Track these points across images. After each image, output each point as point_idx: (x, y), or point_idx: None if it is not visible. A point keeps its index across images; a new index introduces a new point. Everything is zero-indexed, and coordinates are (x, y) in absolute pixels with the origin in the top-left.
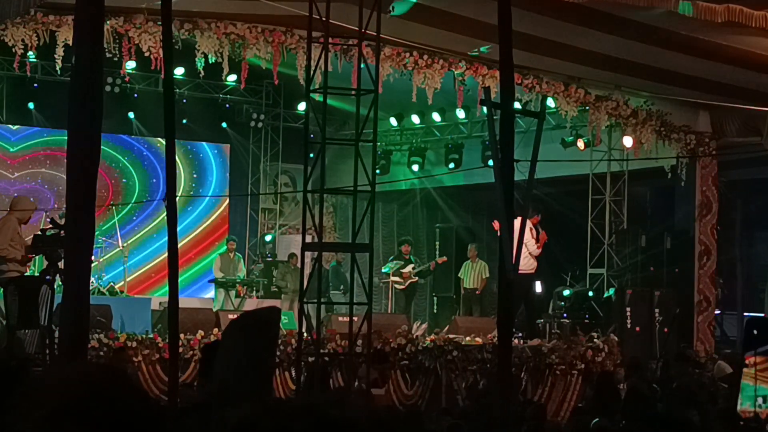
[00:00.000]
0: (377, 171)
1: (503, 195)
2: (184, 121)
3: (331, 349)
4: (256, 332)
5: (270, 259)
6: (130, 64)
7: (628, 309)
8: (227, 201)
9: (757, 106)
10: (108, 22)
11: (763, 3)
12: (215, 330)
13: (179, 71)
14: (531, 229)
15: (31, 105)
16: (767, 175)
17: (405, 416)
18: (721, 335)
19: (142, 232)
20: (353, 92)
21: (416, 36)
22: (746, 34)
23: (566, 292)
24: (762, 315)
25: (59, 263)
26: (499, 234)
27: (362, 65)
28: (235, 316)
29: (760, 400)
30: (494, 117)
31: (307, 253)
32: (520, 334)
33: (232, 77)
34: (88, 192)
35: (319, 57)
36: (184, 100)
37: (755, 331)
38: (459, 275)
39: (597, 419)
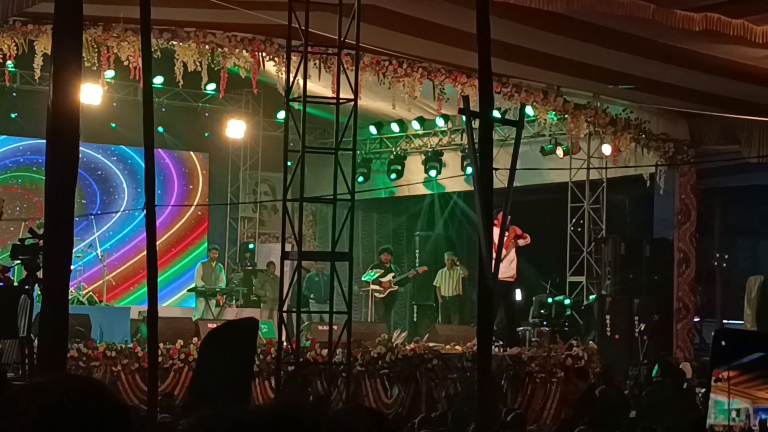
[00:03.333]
0: (360, 179)
1: (482, 203)
2: (161, 129)
3: (311, 358)
4: (234, 342)
5: (250, 267)
6: (109, 74)
7: (607, 317)
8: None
9: (735, 114)
10: (86, 31)
11: (741, 12)
12: (195, 339)
13: (158, 80)
14: (511, 238)
15: (13, 115)
16: (746, 182)
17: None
18: (700, 342)
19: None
20: (333, 101)
21: (395, 45)
22: (724, 43)
23: (549, 300)
24: (731, 326)
25: (38, 273)
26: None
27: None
28: (215, 325)
29: (734, 413)
30: (473, 126)
31: (287, 262)
32: (500, 343)
33: (212, 86)
34: (67, 202)
35: (299, 66)
36: (164, 110)
37: (723, 343)
38: (435, 283)
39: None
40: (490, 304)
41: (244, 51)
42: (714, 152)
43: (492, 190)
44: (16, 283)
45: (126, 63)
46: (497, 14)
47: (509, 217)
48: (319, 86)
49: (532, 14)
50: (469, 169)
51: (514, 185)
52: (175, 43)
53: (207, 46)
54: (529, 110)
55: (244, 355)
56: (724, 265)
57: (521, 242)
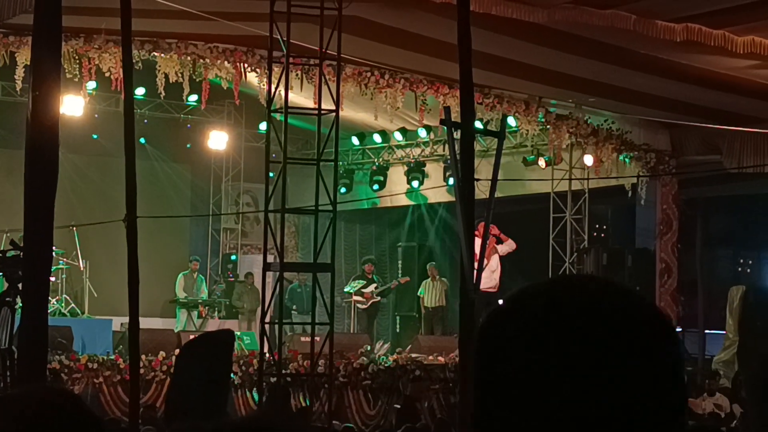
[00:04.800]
0: (343, 190)
1: (463, 214)
2: (143, 141)
3: (293, 369)
4: (210, 354)
5: (232, 279)
6: (91, 85)
7: None
8: None
9: (716, 124)
10: (68, 42)
11: (722, 22)
12: (177, 351)
13: (140, 91)
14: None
15: None
16: (727, 192)
17: None
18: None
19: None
20: (314, 112)
21: (377, 56)
22: (705, 53)
23: None
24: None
25: (20, 285)
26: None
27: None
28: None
29: None
30: (455, 136)
31: (269, 273)
32: None
33: (194, 97)
34: (46, 214)
35: (280, 77)
36: (145, 121)
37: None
38: (419, 294)
39: None
40: (473, 314)
41: (225, 62)
42: (695, 162)
43: (474, 200)
44: None
45: (107, 74)
46: (479, 25)
47: (491, 226)
48: (301, 97)
49: (513, 25)
50: (452, 180)
51: (497, 196)
52: (156, 54)
53: (188, 57)
54: (511, 121)
55: (221, 367)
56: (707, 275)
57: (504, 248)
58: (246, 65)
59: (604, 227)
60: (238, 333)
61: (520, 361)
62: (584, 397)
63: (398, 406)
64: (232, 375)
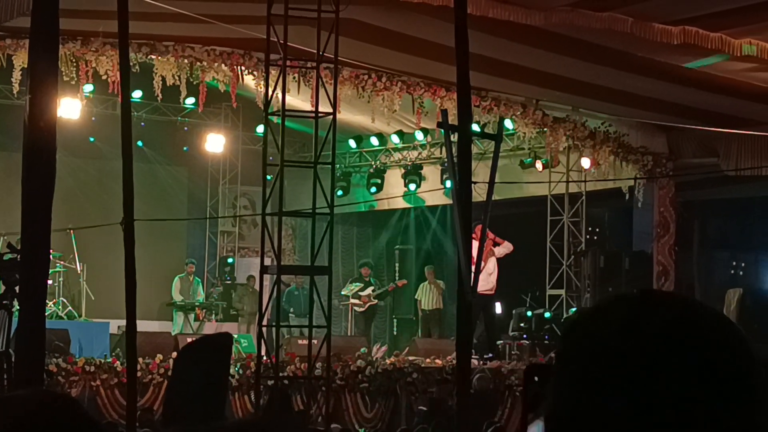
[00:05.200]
0: (339, 193)
1: (461, 216)
2: (140, 143)
3: (291, 372)
4: (209, 357)
5: (229, 282)
6: (88, 88)
7: None
8: None
9: (713, 127)
10: (65, 45)
11: (719, 25)
12: (174, 354)
13: (137, 94)
14: (490, 250)
15: None
16: (724, 195)
17: None
18: None
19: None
20: (312, 115)
21: (374, 58)
22: (702, 56)
23: (528, 314)
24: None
25: (17, 288)
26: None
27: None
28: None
29: None
30: (452, 139)
31: (266, 276)
32: (490, 355)
33: (191, 100)
34: (43, 217)
35: (277, 79)
36: (142, 123)
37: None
38: (416, 297)
39: None
40: (470, 317)
41: (222, 65)
42: (692, 165)
43: (471, 203)
44: None
45: (104, 77)
46: (476, 28)
47: (488, 230)
48: (299, 100)
49: (510, 28)
50: (449, 183)
51: (494, 198)
52: (153, 57)
53: (186, 60)
54: (508, 124)
55: (219, 370)
56: (703, 277)
57: (500, 250)
58: (243, 68)
59: (600, 230)
60: (236, 336)
61: (598, 375)
62: (661, 418)
63: (424, 408)
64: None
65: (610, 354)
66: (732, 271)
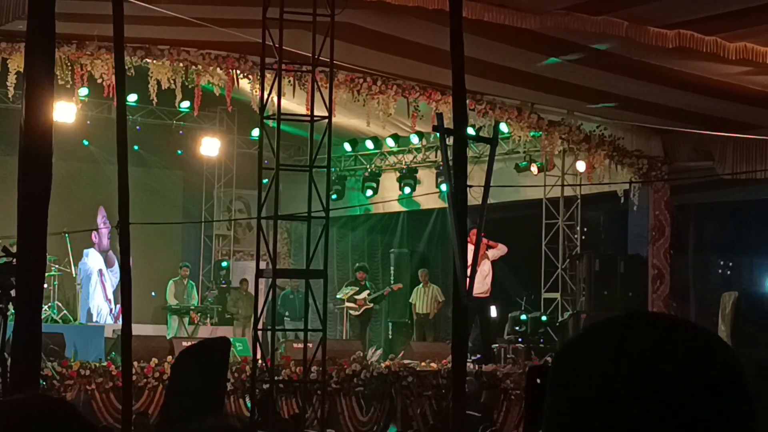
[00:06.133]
0: (334, 197)
1: (456, 220)
2: (136, 147)
3: (286, 375)
4: (206, 361)
5: (224, 285)
6: (83, 91)
7: None
8: None
9: (708, 130)
10: (60, 49)
11: (714, 28)
12: (169, 357)
13: (132, 98)
14: (484, 253)
15: None
16: (719, 198)
17: None
18: None
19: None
20: (307, 118)
21: (370, 62)
22: (697, 59)
23: (523, 317)
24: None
25: (12, 291)
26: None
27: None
28: (189, 343)
29: None
30: (447, 143)
31: (262, 280)
32: (478, 356)
33: (186, 103)
34: (40, 220)
35: (272, 83)
36: (138, 128)
37: (538, 380)
38: (410, 300)
39: None
40: (465, 321)
41: (218, 68)
42: (687, 169)
43: (466, 207)
44: None
45: (100, 81)
46: (471, 31)
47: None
48: (294, 104)
49: (505, 31)
50: (444, 186)
51: (489, 202)
52: (149, 60)
53: (181, 64)
54: (503, 127)
55: (216, 374)
56: (699, 281)
57: (494, 253)
58: (238, 72)
59: (595, 233)
60: (231, 339)
61: (589, 398)
62: None
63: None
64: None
65: (599, 378)
66: (727, 274)
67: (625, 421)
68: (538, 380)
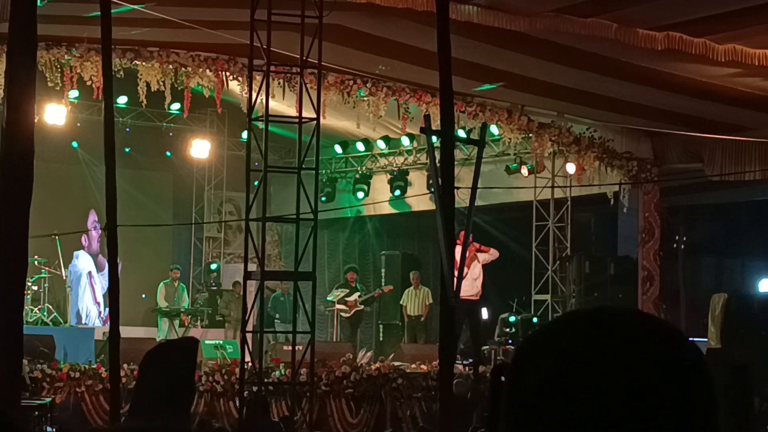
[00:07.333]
0: (323, 199)
1: (443, 221)
2: (127, 149)
3: (275, 378)
4: (172, 361)
5: (214, 288)
6: (73, 94)
7: None
8: None
9: (697, 132)
10: (49, 51)
11: (703, 30)
12: None
13: (122, 100)
14: (474, 255)
15: None
16: (709, 200)
17: None
18: None
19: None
20: (296, 120)
21: (359, 64)
22: (686, 61)
23: (512, 319)
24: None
25: None
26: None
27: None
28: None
29: None
30: (435, 144)
31: (252, 282)
32: (470, 360)
33: (176, 105)
34: (21, 222)
35: (261, 85)
36: (128, 129)
37: (503, 378)
38: (401, 302)
39: None
40: (452, 322)
41: (207, 70)
42: (677, 170)
43: (454, 208)
44: None
45: (89, 83)
46: (460, 33)
47: (471, 236)
48: (284, 105)
49: (495, 33)
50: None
51: (480, 204)
52: (138, 62)
53: (170, 66)
54: (494, 129)
55: (183, 375)
56: (689, 282)
57: (485, 257)
58: (228, 73)
59: (585, 235)
60: (221, 342)
61: (553, 396)
62: None
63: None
64: (213, 383)
65: (564, 370)
66: (717, 275)
67: (587, 414)
68: (503, 378)
